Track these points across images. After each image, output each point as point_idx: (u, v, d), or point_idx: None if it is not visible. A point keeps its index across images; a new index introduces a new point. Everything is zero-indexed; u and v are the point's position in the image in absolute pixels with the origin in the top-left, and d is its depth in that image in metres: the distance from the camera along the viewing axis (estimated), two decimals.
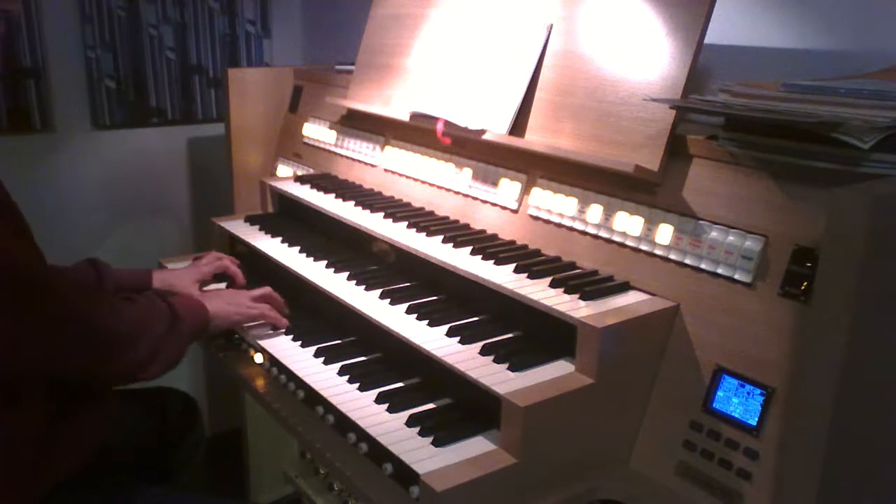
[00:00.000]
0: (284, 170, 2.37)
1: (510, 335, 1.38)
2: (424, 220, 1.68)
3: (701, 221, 1.28)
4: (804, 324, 1.11)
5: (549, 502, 1.20)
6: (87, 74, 2.48)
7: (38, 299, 1.18)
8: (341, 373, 1.42)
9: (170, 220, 2.78)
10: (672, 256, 1.31)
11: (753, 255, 1.20)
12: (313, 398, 1.37)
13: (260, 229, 1.95)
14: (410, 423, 1.25)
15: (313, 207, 1.88)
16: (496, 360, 1.27)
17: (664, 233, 1.32)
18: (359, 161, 2.07)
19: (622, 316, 1.23)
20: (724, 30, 1.48)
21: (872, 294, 0.96)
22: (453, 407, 1.33)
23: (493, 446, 1.19)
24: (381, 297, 1.51)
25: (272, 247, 1.82)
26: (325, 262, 1.69)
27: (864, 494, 1.14)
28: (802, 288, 1.14)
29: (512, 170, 1.63)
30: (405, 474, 1.15)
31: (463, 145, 1.73)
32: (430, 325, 1.39)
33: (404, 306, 1.46)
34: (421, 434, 1.22)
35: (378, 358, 1.49)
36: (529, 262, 1.44)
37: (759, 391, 1.17)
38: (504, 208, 1.63)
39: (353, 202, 1.83)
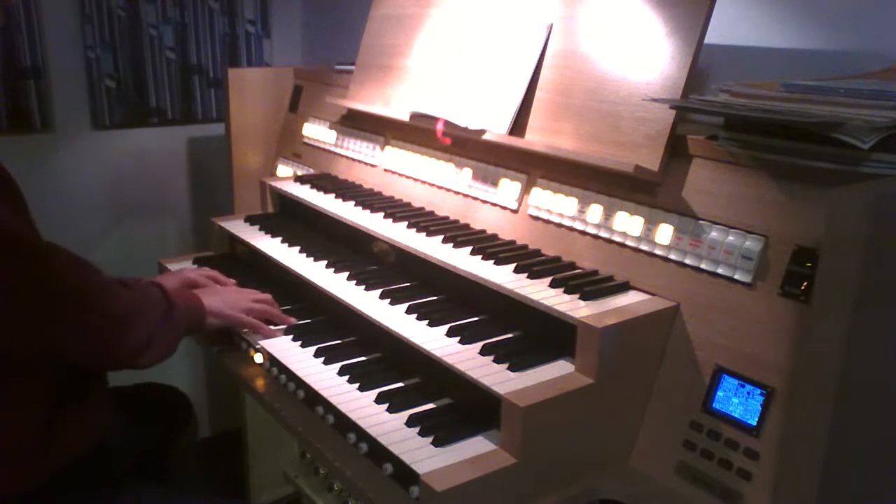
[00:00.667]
0: (284, 170, 2.37)
1: (510, 335, 1.38)
2: (424, 220, 1.68)
3: (701, 221, 1.28)
4: (804, 324, 1.11)
5: (549, 502, 1.20)
6: (87, 74, 2.48)
7: (35, 272, 1.18)
8: (341, 373, 1.42)
9: (170, 220, 2.78)
10: (672, 256, 1.31)
11: (753, 255, 1.20)
12: (313, 398, 1.37)
13: (260, 229, 1.95)
14: (410, 423, 1.25)
15: (313, 207, 1.88)
16: (496, 360, 1.27)
17: (664, 233, 1.32)
18: (359, 161, 2.07)
19: (622, 316, 1.23)
20: (724, 30, 1.48)
21: (872, 294, 0.96)
22: (453, 407, 1.32)
23: (493, 446, 1.19)
24: (381, 297, 1.51)
25: (272, 247, 1.82)
26: (325, 262, 1.69)
27: (864, 494, 1.14)
28: (802, 288, 1.14)
29: (512, 170, 1.63)
30: (405, 474, 1.15)
31: (463, 145, 1.73)
32: (430, 325, 1.39)
33: (404, 306, 1.46)
34: (421, 434, 1.22)
35: (378, 358, 1.49)
36: (529, 262, 1.44)
37: (759, 391, 1.17)
38: (504, 208, 1.63)
39: (353, 202, 1.83)
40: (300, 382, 1.41)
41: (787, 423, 1.11)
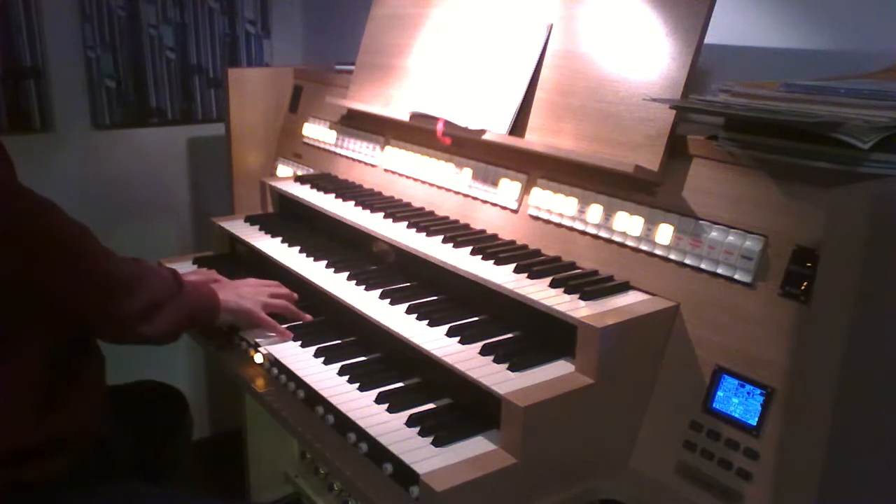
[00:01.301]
0: (284, 170, 2.37)
1: (510, 335, 1.38)
2: (424, 220, 1.68)
3: (701, 221, 1.28)
4: (804, 324, 1.11)
5: (549, 502, 1.20)
6: (87, 74, 2.47)
7: (38, 230, 1.20)
8: (341, 373, 1.42)
9: (170, 220, 2.78)
10: (672, 256, 1.31)
11: (753, 255, 1.20)
12: (313, 398, 1.37)
13: (260, 229, 1.95)
14: (410, 423, 1.25)
15: (313, 207, 1.88)
16: (496, 360, 1.27)
17: (664, 233, 1.32)
18: (359, 161, 2.07)
19: (622, 316, 1.23)
20: (724, 30, 1.48)
21: (872, 294, 0.96)
22: (453, 407, 1.33)
23: (493, 446, 1.19)
24: (381, 297, 1.51)
25: (272, 247, 1.82)
26: (325, 262, 1.69)
27: (864, 494, 1.14)
28: (802, 288, 1.14)
29: (512, 170, 1.63)
30: (405, 474, 1.15)
31: (463, 145, 1.73)
32: (430, 325, 1.39)
33: (404, 306, 1.46)
34: (421, 434, 1.22)
35: (378, 358, 1.49)
36: (529, 262, 1.44)
37: (759, 391, 1.17)
38: (504, 208, 1.63)
39: (353, 202, 1.83)
40: (300, 382, 1.41)
41: (787, 423, 1.11)
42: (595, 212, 1.44)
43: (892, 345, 1.06)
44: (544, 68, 1.57)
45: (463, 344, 1.33)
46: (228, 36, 2.72)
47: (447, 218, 1.73)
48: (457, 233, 1.61)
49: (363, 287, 1.56)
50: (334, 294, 1.55)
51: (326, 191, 1.94)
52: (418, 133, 1.84)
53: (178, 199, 2.78)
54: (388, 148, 1.97)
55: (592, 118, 1.46)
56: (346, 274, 1.62)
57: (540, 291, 1.33)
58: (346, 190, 1.93)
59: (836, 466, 1.01)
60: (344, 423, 1.28)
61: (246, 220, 2.02)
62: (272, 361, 1.50)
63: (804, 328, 1.11)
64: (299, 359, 1.48)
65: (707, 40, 1.32)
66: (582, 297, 1.30)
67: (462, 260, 1.47)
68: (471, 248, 1.51)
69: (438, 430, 1.22)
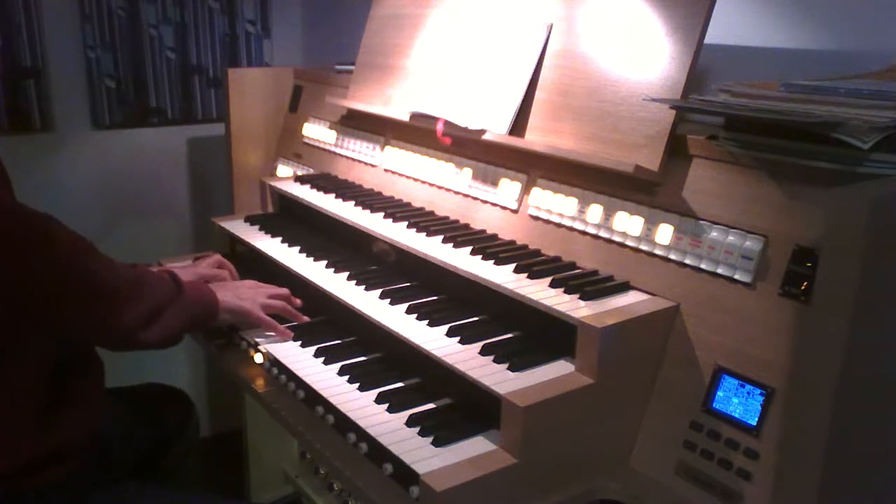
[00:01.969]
0: (284, 170, 2.37)
1: (510, 335, 1.38)
2: (424, 220, 1.68)
3: (701, 221, 1.28)
4: (804, 324, 1.11)
5: (549, 502, 1.20)
6: (87, 74, 2.48)
7: (38, 245, 1.19)
8: (341, 373, 1.42)
9: (170, 220, 2.78)
10: (672, 256, 1.31)
11: (753, 255, 1.20)
12: (313, 398, 1.37)
13: (260, 229, 1.95)
14: (410, 423, 1.25)
15: (313, 207, 1.88)
16: (496, 360, 1.27)
17: (664, 233, 1.32)
18: (359, 161, 2.07)
19: (622, 316, 1.23)
20: (724, 30, 1.48)
21: (872, 294, 0.96)
22: (453, 407, 1.33)
23: (493, 446, 1.19)
24: (381, 297, 1.51)
25: (272, 247, 1.82)
26: (325, 262, 1.69)
27: (865, 494, 1.14)
28: (802, 288, 1.14)
29: (512, 170, 1.63)
30: (405, 474, 1.15)
31: (463, 145, 1.73)
32: (430, 325, 1.39)
33: (404, 306, 1.46)
34: (421, 434, 1.22)
35: (378, 358, 1.49)
36: (529, 262, 1.44)
37: (759, 391, 1.17)
38: (504, 208, 1.63)
39: (353, 202, 1.83)
40: (300, 382, 1.41)
41: (787, 423, 1.11)
42: (595, 212, 1.44)
43: (893, 345, 1.06)
44: (544, 68, 1.57)
45: (463, 344, 1.33)
46: (228, 36, 2.72)
47: (447, 218, 1.73)
48: (457, 233, 1.61)
49: (363, 287, 1.56)
50: (334, 294, 1.55)
51: (326, 191, 1.94)
52: (418, 133, 1.84)
53: (178, 199, 2.78)
54: (388, 148, 1.97)
55: (592, 118, 1.46)
56: (346, 274, 1.62)
57: (540, 291, 1.33)
58: (346, 190, 1.93)
59: (836, 466, 1.01)
60: (344, 423, 1.28)
61: (246, 220, 2.03)
62: (272, 361, 1.50)
63: (804, 328, 1.11)
64: (299, 359, 1.48)
65: (707, 40, 1.32)
66: (582, 297, 1.30)
67: (462, 260, 1.47)
68: (471, 248, 1.51)
69: (438, 430, 1.22)
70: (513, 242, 1.57)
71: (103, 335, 1.35)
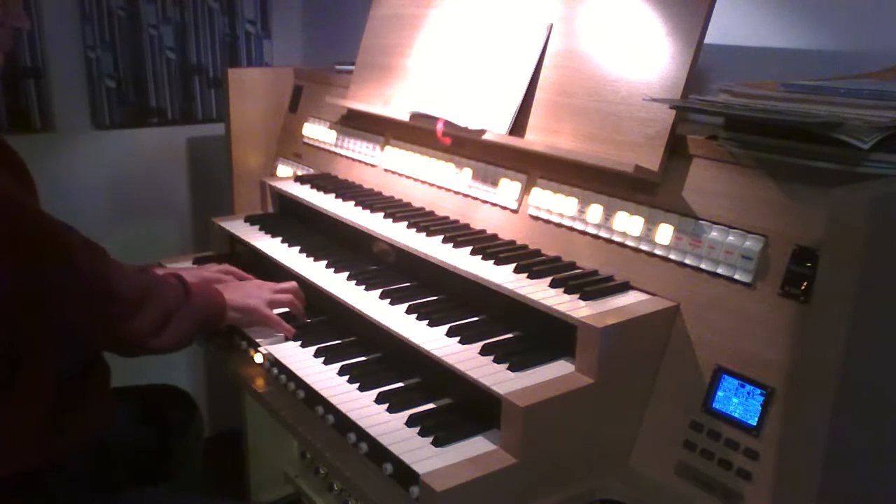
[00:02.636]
0: (284, 170, 2.37)
1: (510, 335, 1.38)
2: (424, 220, 1.68)
3: (701, 221, 1.28)
4: (804, 324, 1.11)
5: (549, 502, 1.20)
6: (87, 74, 2.48)
7: (47, 251, 1.19)
8: (341, 373, 1.42)
9: (170, 220, 2.78)
10: (672, 256, 1.31)
11: (753, 255, 1.20)
12: (313, 398, 1.37)
13: (260, 229, 1.95)
14: (410, 423, 1.25)
15: (313, 207, 1.88)
16: (496, 360, 1.27)
17: (664, 233, 1.32)
18: (359, 161, 2.07)
19: (622, 316, 1.23)
20: (724, 30, 1.48)
21: (872, 294, 0.96)
22: (453, 407, 1.32)
23: (493, 446, 1.19)
24: (381, 297, 1.51)
25: (272, 247, 1.82)
26: (325, 262, 1.69)
27: (864, 494, 1.14)
28: (802, 288, 1.14)
29: (512, 170, 1.63)
30: (405, 474, 1.15)
31: (463, 145, 1.73)
32: (430, 325, 1.39)
33: (404, 306, 1.46)
34: (421, 434, 1.22)
35: (378, 358, 1.49)
36: (529, 262, 1.44)
37: (759, 391, 1.17)
38: (504, 208, 1.63)
39: (353, 202, 1.83)
40: (300, 382, 1.41)
41: (787, 423, 1.11)
42: (595, 212, 1.44)
43: (893, 345, 1.06)
44: (544, 68, 1.57)
45: (463, 344, 1.33)
46: (228, 36, 2.72)
47: (447, 218, 1.73)
48: (457, 233, 1.61)
49: (363, 287, 1.56)
50: (334, 294, 1.55)
51: (326, 191, 1.94)
52: (418, 133, 1.84)
53: (178, 199, 2.78)
54: (387, 148, 1.97)
55: (592, 118, 1.46)
56: (346, 274, 1.62)
57: (540, 291, 1.33)
58: (345, 190, 1.93)
59: (836, 466, 1.01)
60: (344, 423, 1.28)
61: (246, 220, 2.02)
62: (272, 361, 1.50)
63: (804, 328, 1.11)
64: (299, 359, 1.48)
65: (707, 40, 1.32)
66: (582, 297, 1.30)
67: (462, 260, 1.47)
68: (471, 248, 1.51)
69: (438, 430, 1.22)
70: (513, 242, 1.57)
71: (115, 343, 1.35)
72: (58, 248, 1.20)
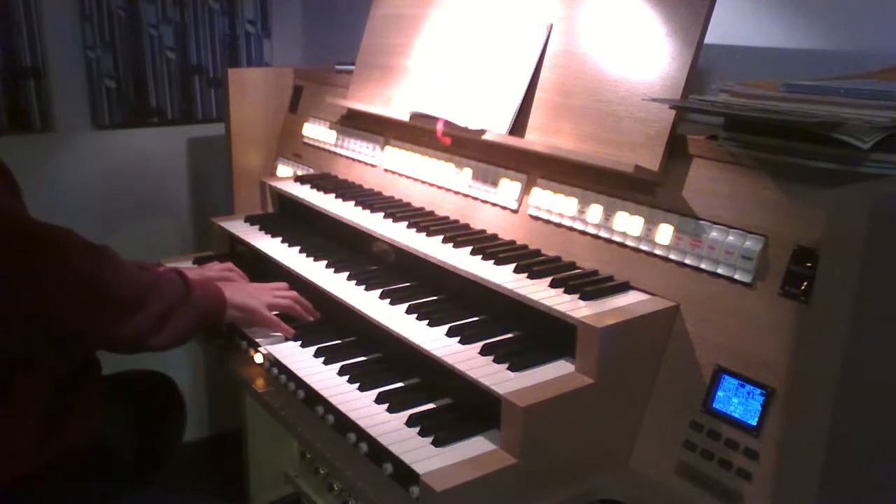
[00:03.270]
0: (284, 170, 2.37)
1: (510, 335, 1.38)
2: (424, 220, 1.68)
3: (701, 221, 1.28)
4: (804, 324, 1.11)
5: (549, 502, 1.20)
6: (87, 74, 2.48)
7: (39, 258, 1.19)
8: (341, 373, 1.42)
9: (170, 220, 2.78)
10: (672, 256, 1.31)
11: (753, 255, 1.20)
12: (313, 398, 1.37)
13: (260, 229, 1.95)
14: (410, 423, 1.25)
15: (313, 207, 1.88)
16: (496, 360, 1.27)
17: (664, 233, 1.32)
18: (359, 161, 2.07)
19: (622, 316, 1.23)
20: (724, 30, 1.48)
21: (872, 294, 0.96)
22: (453, 407, 1.33)
23: (493, 446, 1.19)
24: (381, 297, 1.51)
25: (272, 247, 1.82)
26: (325, 262, 1.69)
27: (865, 494, 1.14)
28: (802, 288, 1.14)
29: (512, 170, 1.63)
30: (405, 474, 1.15)
31: (463, 145, 1.73)
32: (430, 325, 1.39)
33: (404, 306, 1.46)
34: (421, 434, 1.22)
35: (378, 358, 1.49)
36: (529, 262, 1.44)
37: (759, 391, 1.17)
38: (504, 208, 1.63)
39: (353, 202, 1.83)
40: (300, 382, 1.41)
41: (787, 423, 1.11)
42: (595, 212, 1.44)
43: (892, 345, 1.06)
44: (544, 68, 1.57)
45: (463, 344, 1.33)
46: (228, 36, 2.72)
47: (447, 218, 1.73)
48: (457, 233, 1.61)
49: (363, 287, 1.56)
50: (334, 294, 1.55)
51: (326, 191, 1.94)
52: (418, 133, 1.84)
53: (178, 199, 2.78)
54: (388, 148, 1.97)
55: (592, 118, 1.46)
56: (346, 274, 1.62)
57: (540, 291, 1.33)
58: (345, 190, 1.93)
59: (836, 466, 1.01)
60: (344, 423, 1.28)
61: (246, 220, 2.03)
62: (272, 361, 1.50)
63: (804, 328, 1.11)
64: (299, 359, 1.48)
65: (707, 40, 1.32)
66: (582, 297, 1.30)
67: (462, 260, 1.47)
68: (471, 248, 1.51)
69: (438, 430, 1.22)
70: (513, 242, 1.57)
71: (115, 343, 1.35)
72: (51, 253, 1.19)
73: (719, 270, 1.24)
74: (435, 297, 1.52)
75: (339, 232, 1.81)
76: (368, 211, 1.77)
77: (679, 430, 1.24)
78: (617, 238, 1.40)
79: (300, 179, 2.08)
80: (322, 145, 2.23)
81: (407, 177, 1.90)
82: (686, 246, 1.29)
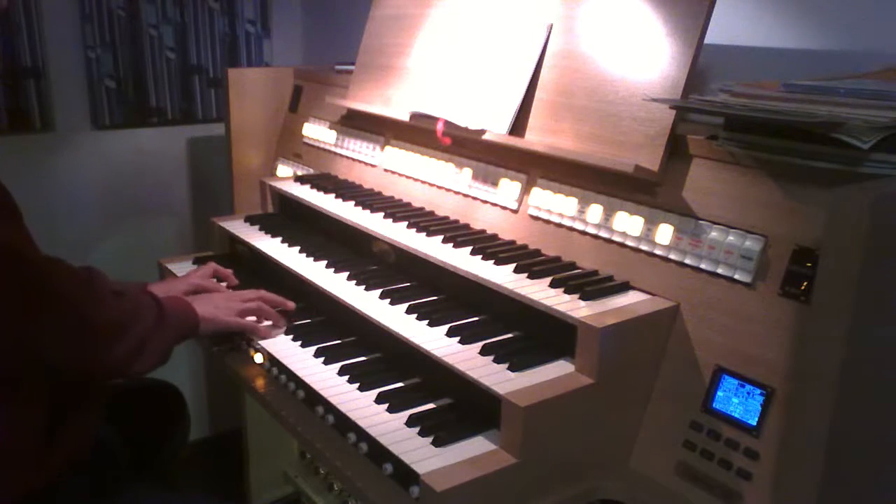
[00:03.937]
0: (284, 170, 2.37)
1: (510, 335, 1.38)
2: (424, 220, 1.68)
3: (701, 221, 1.28)
4: (804, 324, 1.11)
5: (549, 502, 1.20)
6: (87, 74, 2.48)
7: (42, 295, 1.19)
8: (341, 373, 1.42)
9: (170, 220, 2.78)
10: (672, 256, 1.31)
11: (753, 255, 1.20)
12: (313, 398, 1.37)
13: (260, 229, 1.95)
14: (410, 423, 1.25)
15: (313, 207, 1.88)
16: (496, 360, 1.27)
17: (664, 233, 1.32)
18: (359, 161, 2.07)
19: (622, 316, 1.23)
20: (724, 30, 1.48)
21: (872, 294, 0.96)
22: (453, 407, 1.32)
23: (493, 446, 1.19)
24: (381, 297, 1.51)
25: (272, 247, 1.82)
26: (325, 262, 1.69)
27: (865, 494, 1.14)
28: (802, 288, 1.14)
29: (512, 170, 1.63)
30: (405, 474, 1.15)
31: (463, 145, 1.73)
32: (430, 325, 1.39)
33: (404, 306, 1.46)
34: (421, 434, 1.22)
35: (378, 358, 1.49)
36: (529, 262, 1.44)
37: (759, 391, 1.17)
38: (504, 208, 1.63)
39: (353, 202, 1.83)
40: (300, 382, 1.41)
41: (787, 423, 1.11)
42: (595, 212, 1.44)
43: (893, 345, 1.06)
44: (544, 68, 1.57)
45: (463, 344, 1.33)
46: (228, 36, 2.72)
47: (447, 218, 1.73)
48: (457, 233, 1.61)
49: (363, 287, 1.56)
50: (334, 294, 1.55)
51: (326, 191, 1.94)
52: (418, 133, 1.84)
53: (178, 199, 2.78)
54: (388, 148, 1.97)
55: (592, 118, 1.46)
56: (346, 274, 1.62)
57: (540, 291, 1.33)
58: (346, 190, 1.93)
59: (836, 466, 1.01)
60: (344, 423, 1.28)
61: (246, 220, 2.02)
62: (272, 361, 1.50)
63: (804, 328, 1.11)
64: (299, 359, 1.48)
65: (707, 40, 1.32)
66: (582, 297, 1.30)
67: (462, 260, 1.47)
68: (471, 248, 1.51)
69: (438, 430, 1.22)
70: (513, 242, 1.57)
71: (98, 372, 1.37)
72: (48, 297, 1.21)
73: (719, 270, 1.24)
74: (435, 297, 1.52)
75: (340, 232, 1.81)
76: (368, 211, 1.77)
77: (679, 430, 1.24)
78: (617, 238, 1.40)
79: (300, 179, 2.08)
80: (322, 145, 2.23)
81: (407, 177, 1.90)
82: (686, 246, 1.29)
